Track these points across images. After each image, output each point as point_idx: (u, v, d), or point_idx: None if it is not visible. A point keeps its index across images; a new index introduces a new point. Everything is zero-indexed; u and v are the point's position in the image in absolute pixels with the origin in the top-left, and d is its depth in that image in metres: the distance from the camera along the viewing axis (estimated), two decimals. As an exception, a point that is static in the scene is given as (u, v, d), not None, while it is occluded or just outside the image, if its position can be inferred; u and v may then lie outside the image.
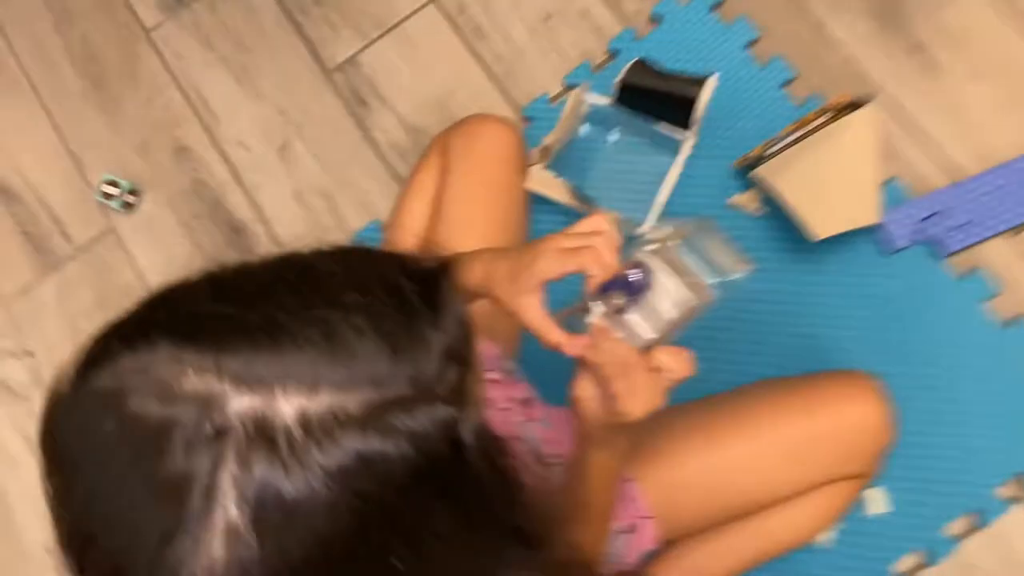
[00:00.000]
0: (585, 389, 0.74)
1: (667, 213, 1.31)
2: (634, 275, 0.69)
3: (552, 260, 0.74)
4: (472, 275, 0.80)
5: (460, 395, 0.46)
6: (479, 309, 0.70)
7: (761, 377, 1.22)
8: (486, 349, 0.86)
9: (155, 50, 1.60)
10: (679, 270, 0.71)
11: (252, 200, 1.50)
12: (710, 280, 0.72)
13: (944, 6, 1.33)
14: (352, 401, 0.42)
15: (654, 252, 0.71)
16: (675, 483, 1.04)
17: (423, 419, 0.44)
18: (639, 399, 0.71)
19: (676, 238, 0.73)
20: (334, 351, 0.43)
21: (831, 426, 1.02)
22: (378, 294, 0.46)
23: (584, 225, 0.76)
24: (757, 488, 1.04)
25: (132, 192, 1.51)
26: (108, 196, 1.51)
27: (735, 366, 1.23)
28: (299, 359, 0.42)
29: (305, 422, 0.41)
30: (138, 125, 1.57)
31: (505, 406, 0.99)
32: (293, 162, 1.50)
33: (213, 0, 1.61)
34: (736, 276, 0.74)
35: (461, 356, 0.47)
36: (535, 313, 0.74)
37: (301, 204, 1.48)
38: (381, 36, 1.53)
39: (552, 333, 0.73)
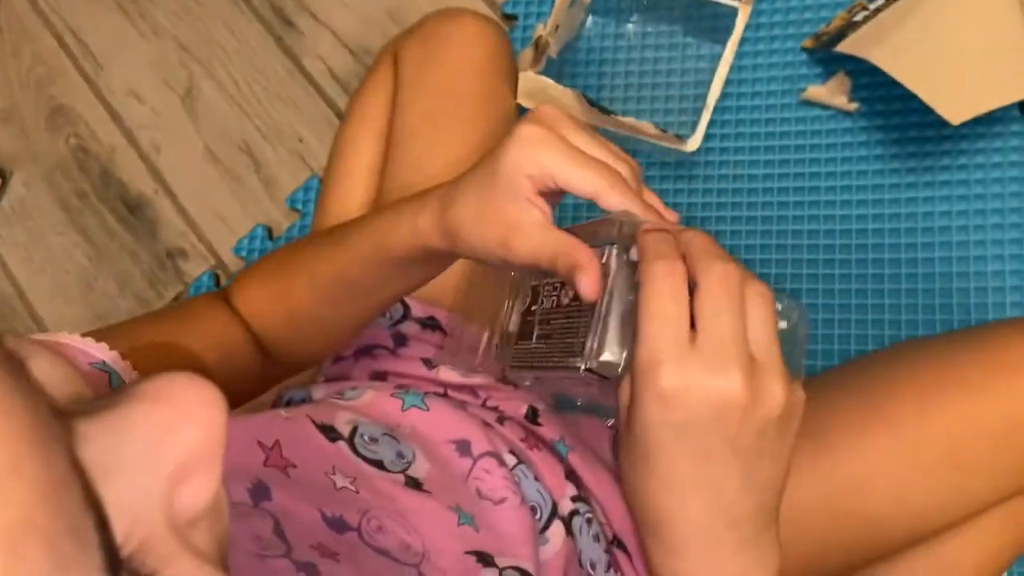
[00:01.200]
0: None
1: (718, 122, 0.92)
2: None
3: (548, 152, 0.41)
4: (424, 226, 0.47)
5: None
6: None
7: (887, 343, 0.84)
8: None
9: (16, -14, 1.22)
10: None
11: (152, 166, 1.12)
12: None
13: None
14: None
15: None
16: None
17: None
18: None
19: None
20: None
21: (1005, 412, 0.65)
22: None
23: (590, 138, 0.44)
24: (898, 514, 0.67)
25: (-6, 171, 1.14)
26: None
27: (846, 331, 0.85)
28: None
29: None
30: (0, 86, 1.19)
31: (484, 448, 0.57)
32: (202, 111, 1.11)
33: (88, -84, 1.23)
34: None
35: None
36: (536, 230, 0.42)
37: (216, 165, 1.10)
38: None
39: (580, 249, 0.41)
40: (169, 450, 0.20)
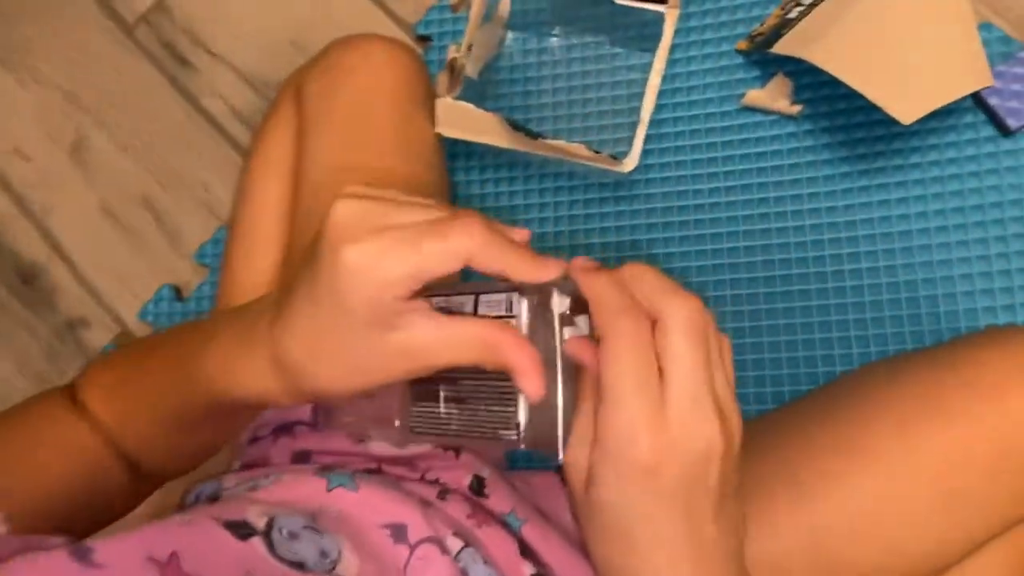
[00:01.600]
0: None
1: (655, 136, 0.86)
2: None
3: (392, 259, 0.33)
4: (273, 394, 0.39)
5: None
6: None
7: (856, 362, 0.78)
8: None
9: None
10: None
11: (43, 229, 1.01)
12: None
13: None
14: None
15: None
16: (760, 563, 0.60)
17: None
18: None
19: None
20: None
21: (993, 440, 0.59)
22: None
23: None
24: (889, 561, 0.61)
25: None
26: None
27: (811, 352, 0.79)
28: None
29: None
30: None
31: (423, 534, 0.50)
32: (94, 164, 1.01)
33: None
34: None
35: None
36: (434, 341, 0.35)
37: (113, 222, 1.00)
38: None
39: (504, 341, 0.34)
40: None
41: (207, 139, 1.00)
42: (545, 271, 0.35)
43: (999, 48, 0.81)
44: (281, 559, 0.40)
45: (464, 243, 0.33)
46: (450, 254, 0.33)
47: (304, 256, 0.36)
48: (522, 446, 0.36)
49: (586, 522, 0.38)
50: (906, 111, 0.73)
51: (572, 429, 0.37)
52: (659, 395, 0.35)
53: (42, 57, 1.07)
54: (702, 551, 0.38)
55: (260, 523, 0.41)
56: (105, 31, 1.06)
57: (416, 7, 0.99)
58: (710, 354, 0.36)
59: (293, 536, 0.42)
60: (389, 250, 0.33)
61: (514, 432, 0.36)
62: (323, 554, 0.43)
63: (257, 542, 0.40)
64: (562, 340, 0.37)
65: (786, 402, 0.75)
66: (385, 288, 0.33)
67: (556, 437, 0.37)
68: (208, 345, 0.41)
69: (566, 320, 0.37)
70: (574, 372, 0.38)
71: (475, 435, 0.38)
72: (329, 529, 0.44)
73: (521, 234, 0.38)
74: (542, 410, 0.36)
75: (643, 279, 0.37)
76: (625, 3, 0.83)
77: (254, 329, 0.39)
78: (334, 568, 0.43)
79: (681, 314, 0.35)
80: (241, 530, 0.40)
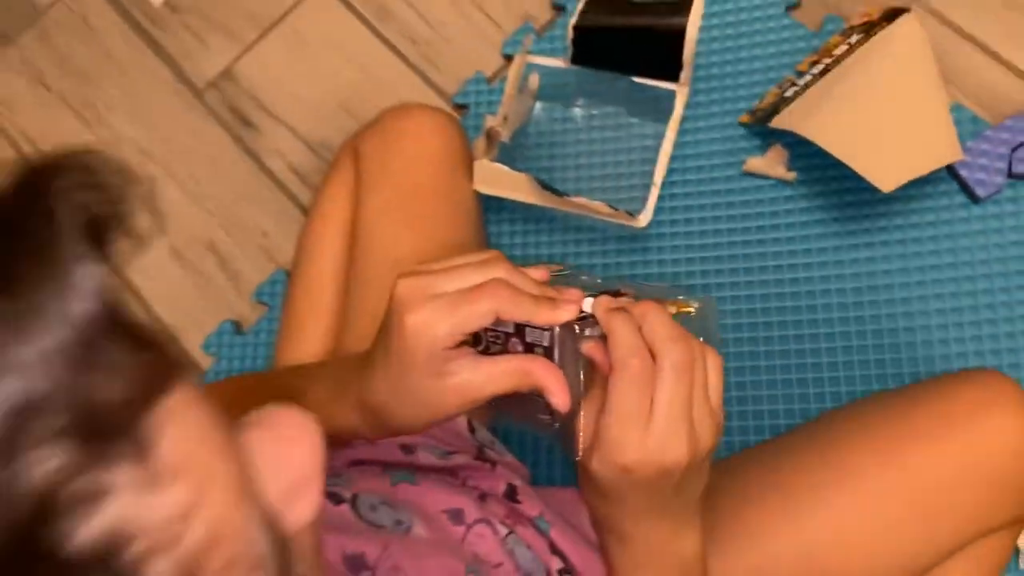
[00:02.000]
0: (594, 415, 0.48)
1: (666, 196, 0.97)
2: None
3: (440, 320, 0.45)
4: (363, 431, 0.51)
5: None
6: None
7: (845, 399, 0.87)
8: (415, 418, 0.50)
9: (-27, 101, 1.24)
10: None
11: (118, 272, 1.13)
12: None
13: None
14: None
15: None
16: (754, 567, 0.70)
17: None
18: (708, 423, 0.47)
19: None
20: None
21: (960, 459, 0.68)
22: None
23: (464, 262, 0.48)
24: (870, 568, 0.70)
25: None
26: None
27: (804, 390, 0.89)
28: None
29: None
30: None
31: (477, 516, 0.61)
32: (165, 212, 1.14)
33: (45, 29, 1.26)
34: None
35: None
36: (480, 377, 0.46)
37: (183, 265, 1.12)
38: (260, 38, 1.18)
39: (536, 368, 0.46)
40: (282, 471, 0.25)
41: (267, 192, 1.12)
42: (560, 316, 0.46)
43: (969, 127, 0.93)
44: (367, 521, 0.50)
45: (490, 304, 0.44)
46: (480, 315, 0.44)
47: (381, 324, 0.47)
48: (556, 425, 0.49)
49: (584, 482, 0.50)
50: (886, 180, 0.84)
51: (583, 419, 0.49)
52: (646, 418, 0.45)
53: (119, 115, 1.20)
54: (663, 512, 0.50)
55: (346, 495, 0.52)
56: (177, 94, 1.19)
57: (449, 77, 1.11)
58: (693, 388, 0.46)
59: (372, 508, 0.52)
60: (435, 314, 0.44)
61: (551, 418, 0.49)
62: (397, 522, 0.53)
63: (346, 508, 0.50)
64: (581, 354, 0.48)
65: (781, 432, 0.84)
66: (435, 342, 0.44)
67: (577, 431, 0.48)
68: (309, 389, 0.53)
69: (588, 325, 0.48)
70: (590, 366, 0.49)
71: (522, 416, 0.51)
72: (399, 507, 0.55)
73: (540, 274, 0.49)
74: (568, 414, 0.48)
75: (648, 319, 0.47)
76: (641, 81, 0.95)
77: (346, 379, 0.50)
78: (408, 533, 0.53)
79: (671, 357, 0.45)
80: (333, 498, 0.50)
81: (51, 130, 1.21)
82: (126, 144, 1.18)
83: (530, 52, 1.01)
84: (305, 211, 1.09)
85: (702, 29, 0.94)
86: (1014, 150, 0.90)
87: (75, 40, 1.24)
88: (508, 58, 1.10)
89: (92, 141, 1.19)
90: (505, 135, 0.97)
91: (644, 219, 0.91)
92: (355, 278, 0.86)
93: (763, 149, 0.97)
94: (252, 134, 1.15)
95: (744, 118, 0.99)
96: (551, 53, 1.03)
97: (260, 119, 1.15)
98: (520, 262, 0.49)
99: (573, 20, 0.92)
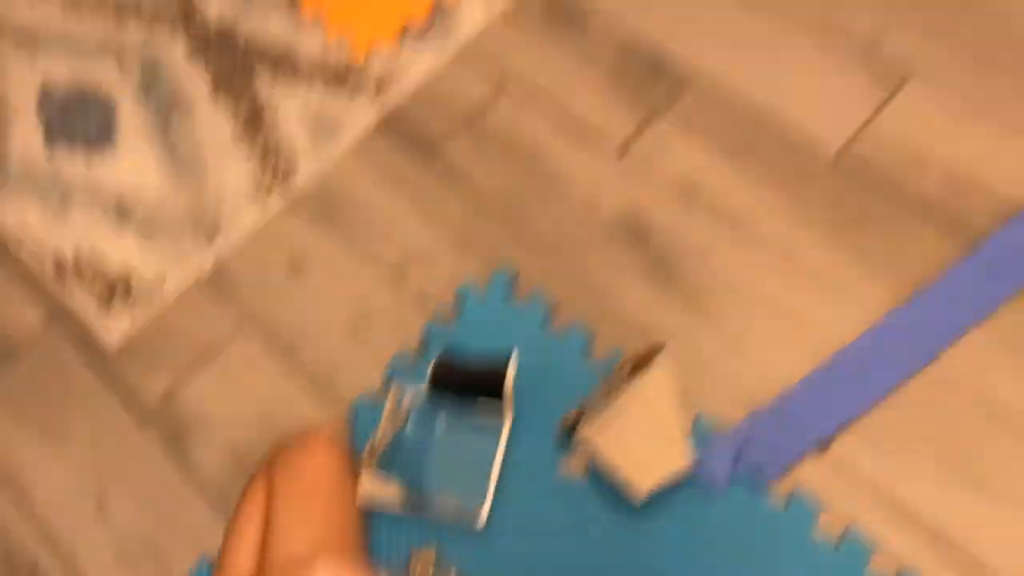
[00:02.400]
0: None
1: (503, 492, 1.33)
2: None
3: None
4: None
5: None
6: None
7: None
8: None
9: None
10: None
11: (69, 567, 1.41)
12: None
13: (706, 259, 1.49)
14: None
15: None
16: None
17: None
18: None
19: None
20: None
21: None
22: None
23: None
24: None
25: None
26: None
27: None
28: None
29: None
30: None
31: None
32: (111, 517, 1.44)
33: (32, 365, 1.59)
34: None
35: None
36: None
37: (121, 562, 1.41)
38: (199, 371, 1.54)
39: None
40: None
41: (192, 492, 1.44)
42: None
43: (702, 433, 1.33)
44: None
45: None
46: None
47: None
48: None
49: None
50: (640, 487, 1.22)
51: None
52: None
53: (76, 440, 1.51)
54: None
55: None
56: (123, 420, 1.52)
57: (348, 387, 1.48)
58: None
59: None
60: None
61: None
62: None
63: None
64: None
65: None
66: None
67: None
68: None
69: None
70: None
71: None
72: None
73: None
74: None
75: None
76: (479, 413, 1.33)
77: None
78: None
79: None
80: None
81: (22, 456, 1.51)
82: (77, 463, 1.49)
83: (403, 377, 1.40)
84: (226, 502, 1.40)
85: (518, 374, 1.34)
86: (736, 454, 1.30)
87: (51, 376, 1.57)
88: (390, 378, 1.47)
89: (49, 460, 1.49)
90: (381, 451, 1.32)
91: (481, 519, 1.26)
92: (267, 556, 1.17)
93: (572, 453, 1.35)
94: (185, 445, 1.48)
95: (560, 427, 1.37)
96: (422, 378, 1.40)
97: (192, 434, 1.48)
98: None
99: (427, 374, 1.31)
